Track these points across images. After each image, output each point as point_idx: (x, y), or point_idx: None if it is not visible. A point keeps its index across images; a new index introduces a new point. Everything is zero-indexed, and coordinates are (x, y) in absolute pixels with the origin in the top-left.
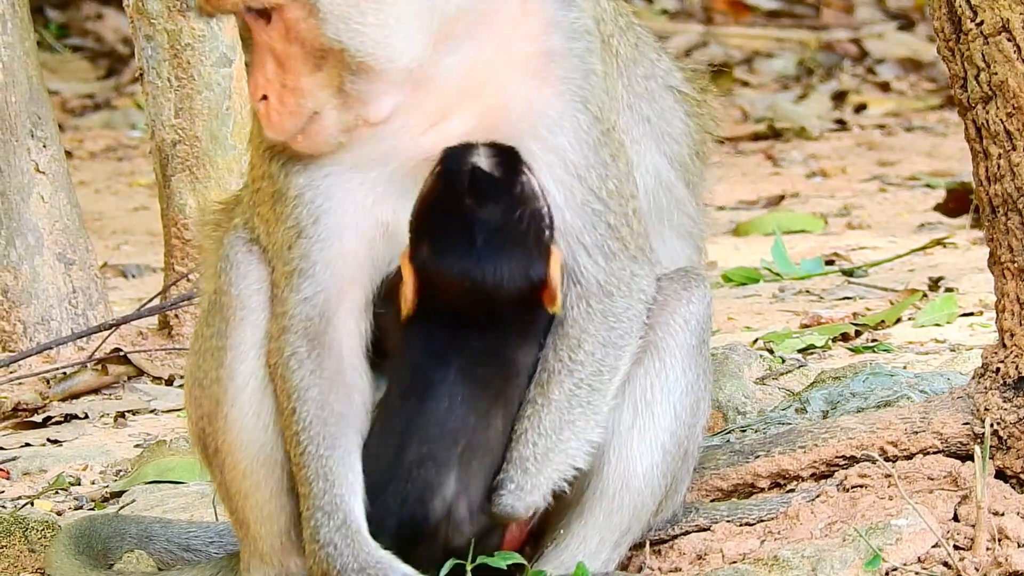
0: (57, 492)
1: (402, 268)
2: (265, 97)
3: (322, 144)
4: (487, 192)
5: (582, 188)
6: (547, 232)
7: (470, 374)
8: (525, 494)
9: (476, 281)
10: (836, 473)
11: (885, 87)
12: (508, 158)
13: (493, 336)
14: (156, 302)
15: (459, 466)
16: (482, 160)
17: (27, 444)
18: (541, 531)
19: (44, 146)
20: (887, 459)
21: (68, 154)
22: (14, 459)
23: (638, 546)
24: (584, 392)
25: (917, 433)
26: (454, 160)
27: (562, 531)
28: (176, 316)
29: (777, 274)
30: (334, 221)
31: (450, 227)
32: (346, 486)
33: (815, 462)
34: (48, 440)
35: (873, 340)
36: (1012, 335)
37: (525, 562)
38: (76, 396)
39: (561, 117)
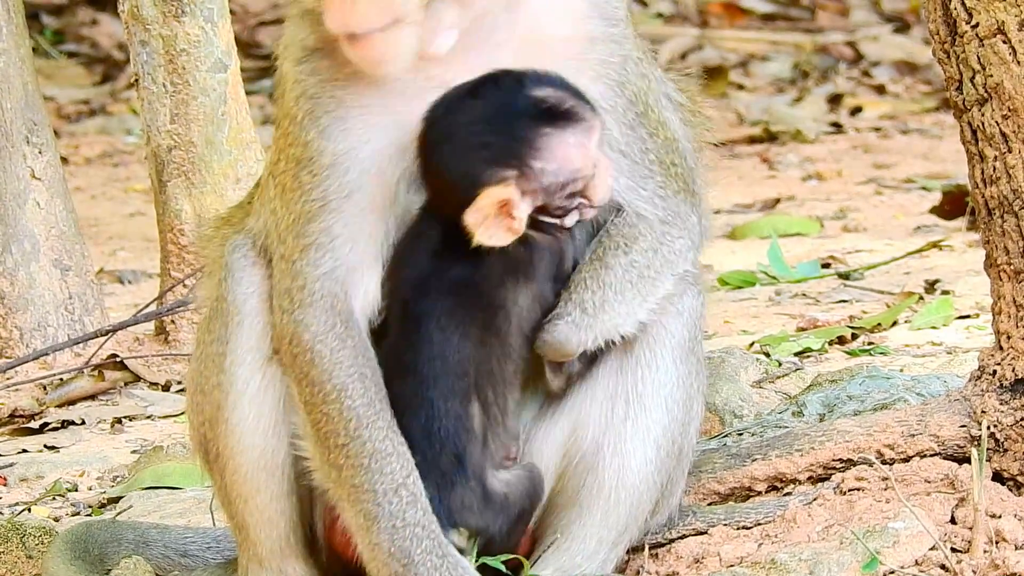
0: (54, 498)
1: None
2: None
3: (387, 59)
4: (506, 86)
5: (626, 161)
6: (504, 167)
7: (448, 304)
8: (580, 330)
9: (434, 163)
10: (833, 476)
11: (880, 90)
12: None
13: (469, 268)
14: (152, 308)
15: (479, 400)
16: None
17: (24, 450)
18: (539, 534)
19: (40, 152)
20: (884, 462)
21: (64, 160)
22: (11, 465)
23: (636, 550)
24: (636, 272)
25: (914, 436)
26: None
27: (559, 534)
28: (172, 322)
29: (773, 277)
30: (364, 198)
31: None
32: (412, 464)
33: (812, 465)
34: (45, 446)
35: (869, 343)
36: (1008, 337)
37: (524, 560)
38: (73, 402)
39: (599, 100)
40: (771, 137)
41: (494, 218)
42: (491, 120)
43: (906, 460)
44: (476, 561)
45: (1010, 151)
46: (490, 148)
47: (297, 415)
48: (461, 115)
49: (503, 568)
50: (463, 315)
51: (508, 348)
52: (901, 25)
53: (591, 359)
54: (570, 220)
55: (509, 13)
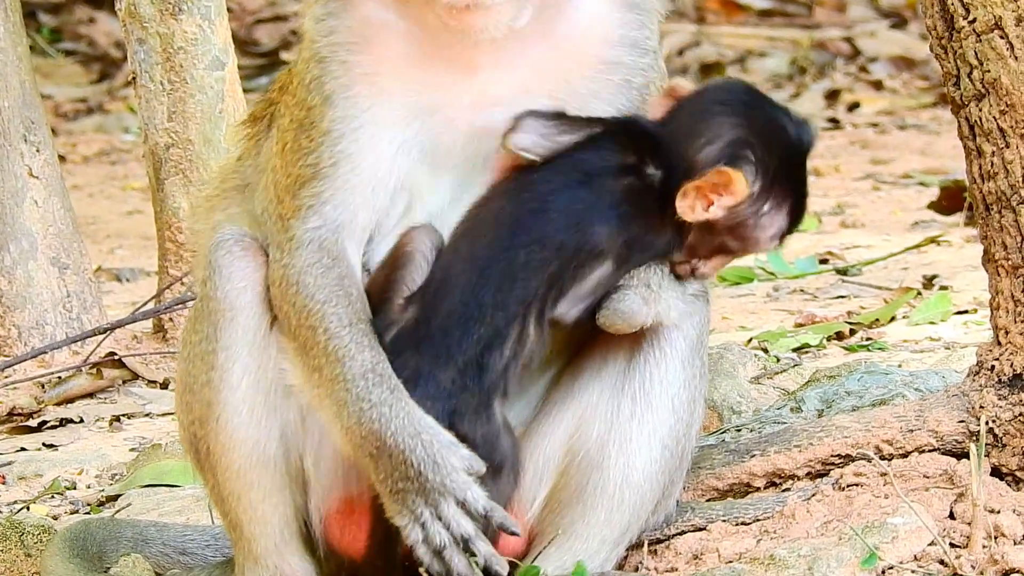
0: (53, 496)
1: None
2: None
3: (489, 28)
4: (805, 141)
5: None
6: (757, 172)
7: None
8: (646, 303)
9: (718, 117)
10: (832, 472)
11: (878, 85)
12: None
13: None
14: (150, 306)
15: (519, 332)
16: None
17: (23, 448)
18: (537, 531)
19: (37, 150)
20: (882, 457)
21: (61, 158)
22: (10, 464)
23: (634, 546)
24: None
25: (912, 431)
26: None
27: (561, 531)
28: (171, 319)
29: (771, 273)
30: (355, 167)
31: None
32: (385, 358)
33: (810, 461)
34: (44, 444)
35: (868, 339)
36: (1007, 332)
37: (518, 562)
38: (71, 400)
39: (619, 111)
40: None
41: (704, 194)
42: (786, 149)
43: (904, 456)
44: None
45: (1008, 146)
46: (769, 159)
47: (285, 353)
48: (776, 119)
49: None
50: (574, 235)
51: (572, 306)
52: (898, 21)
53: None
54: (691, 266)
55: (552, 13)
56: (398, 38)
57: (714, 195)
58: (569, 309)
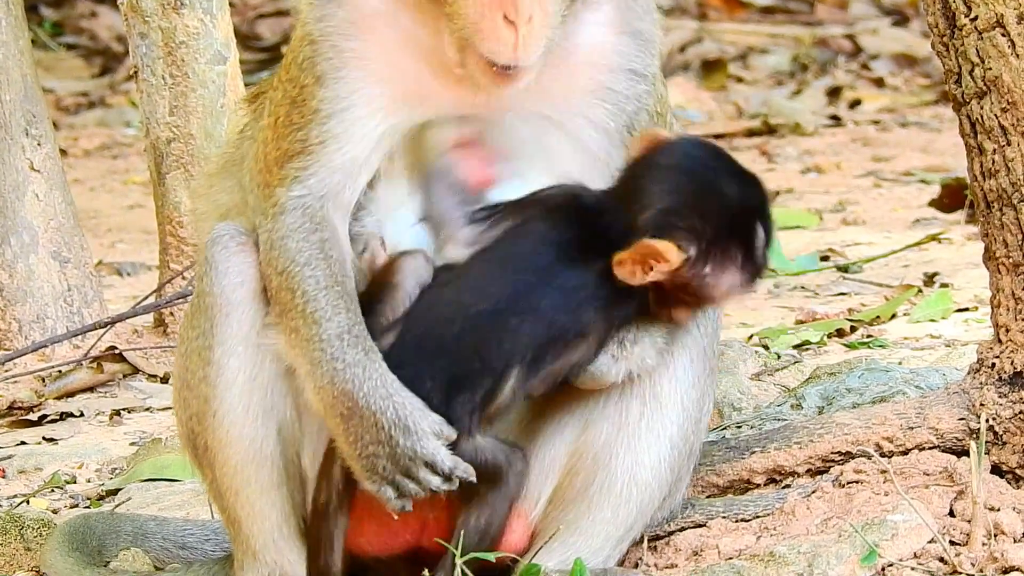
0: (53, 490)
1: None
2: (509, 20)
3: (523, 82)
4: (752, 200)
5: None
6: (691, 240)
7: (558, 242)
8: (618, 362)
9: (657, 185)
10: (832, 469)
11: (879, 83)
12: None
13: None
14: (151, 300)
15: (522, 364)
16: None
17: (23, 442)
18: (539, 529)
19: (39, 144)
20: (883, 455)
21: (63, 152)
22: (10, 457)
23: (635, 542)
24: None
25: (913, 429)
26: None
27: (564, 527)
28: (171, 314)
29: (772, 270)
30: (343, 147)
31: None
32: (362, 321)
33: (811, 458)
34: (44, 438)
35: (868, 336)
36: (1007, 330)
37: (518, 558)
38: (71, 394)
39: (609, 136)
40: (770, 130)
41: (640, 261)
42: (728, 210)
43: (905, 453)
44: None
45: (1009, 144)
46: (708, 225)
47: (269, 319)
48: (716, 179)
49: (519, 557)
50: (573, 272)
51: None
52: (900, 18)
53: None
54: (657, 313)
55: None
56: (392, 27)
57: (650, 263)
58: (540, 385)
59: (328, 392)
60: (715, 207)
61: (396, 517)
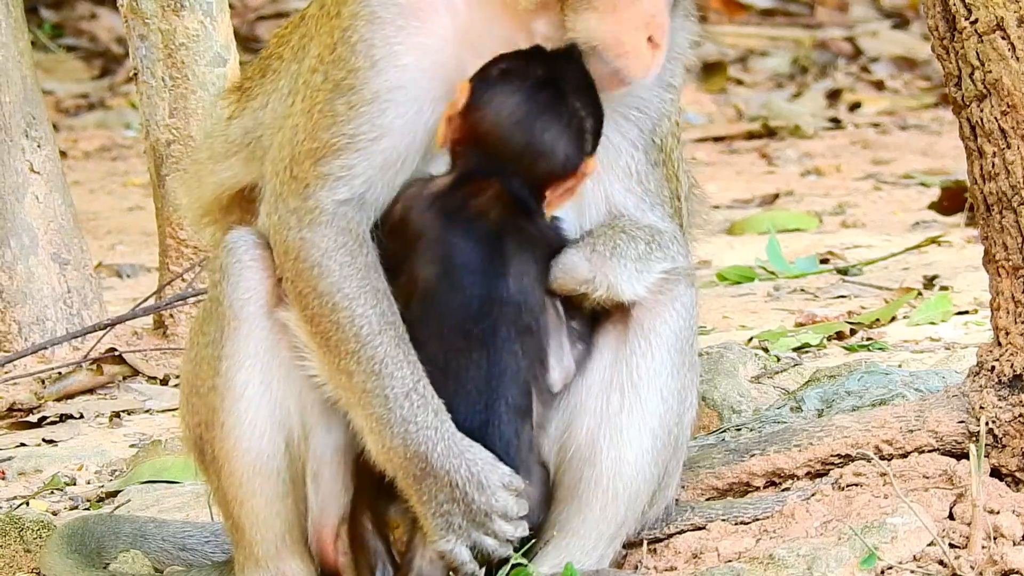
0: (52, 492)
1: (448, 121)
2: (653, 43)
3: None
4: (581, 78)
5: (641, 188)
6: (593, 142)
7: (509, 323)
8: (590, 264)
9: (531, 139)
10: (831, 472)
11: (879, 85)
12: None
13: (511, 281)
14: (151, 302)
15: (530, 413)
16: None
17: (22, 444)
18: (537, 529)
19: (38, 146)
20: (882, 457)
21: (63, 154)
22: (9, 459)
23: (633, 545)
24: (637, 252)
25: (912, 431)
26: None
27: (557, 529)
28: (171, 316)
29: (772, 273)
30: (393, 142)
31: (531, 87)
32: (423, 372)
33: (810, 461)
34: (43, 440)
35: (868, 339)
36: (1007, 333)
37: (525, 562)
38: (71, 396)
39: (631, 137)
40: (770, 132)
41: (568, 192)
42: (594, 113)
43: (904, 456)
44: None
45: (1009, 147)
46: (593, 120)
47: (295, 322)
48: (554, 89)
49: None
50: (525, 336)
51: (546, 355)
52: (900, 21)
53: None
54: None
55: None
56: (452, 14)
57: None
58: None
59: (399, 453)
60: (578, 100)
61: None
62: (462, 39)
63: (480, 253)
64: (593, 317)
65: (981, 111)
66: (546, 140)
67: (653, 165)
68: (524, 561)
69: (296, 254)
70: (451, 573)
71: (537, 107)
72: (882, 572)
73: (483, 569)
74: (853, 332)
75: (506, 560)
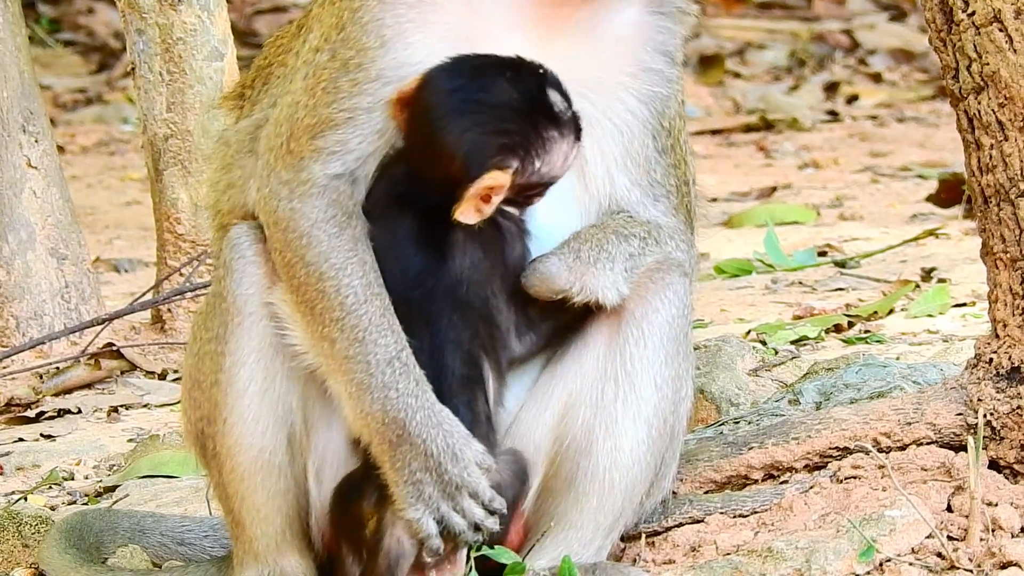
0: (50, 487)
1: (396, 102)
2: None
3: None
4: (536, 102)
5: (647, 178)
6: (508, 156)
7: (453, 301)
8: (570, 272)
9: (439, 130)
10: (829, 464)
11: (877, 78)
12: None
13: (460, 260)
14: (149, 296)
15: (482, 391)
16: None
17: (20, 439)
18: (532, 523)
19: (36, 141)
20: (880, 450)
21: (60, 149)
22: (7, 454)
23: (632, 538)
24: (628, 253)
25: (910, 424)
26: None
27: (555, 522)
28: (169, 310)
29: (770, 265)
30: (385, 116)
31: (469, 87)
32: (405, 341)
33: (808, 453)
34: (41, 435)
35: (866, 331)
36: (1005, 325)
37: (520, 560)
38: (69, 391)
39: (641, 119)
40: (768, 125)
41: (476, 199)
42: (517, 109)
43: (902, 448)
44: (476, 551)
45: (1006, 139)
46: (509, 135)
47: (281, 296)
48: (489, 94)
49: (506, 560)
50: (466, 310)
51: (501, 335)
52: (897, 13)
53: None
54: (525, 207)
55: (597, 13)
56: None
57: (487, 196)
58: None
59: (378, 419)
60: (504, 113)
61: (429, 560)
62: (469, 21)
63: (424, 229)
64: (584, 308)
65: (979, 103)
66: (447, 139)
67: (661, 152)
68: (518, 559)
69: (286, 224)
70: (420, 550)
71: (456, 102)
72: (880, 564)
73: (459, 556)
74: (851, 325)
75: (477, 548)
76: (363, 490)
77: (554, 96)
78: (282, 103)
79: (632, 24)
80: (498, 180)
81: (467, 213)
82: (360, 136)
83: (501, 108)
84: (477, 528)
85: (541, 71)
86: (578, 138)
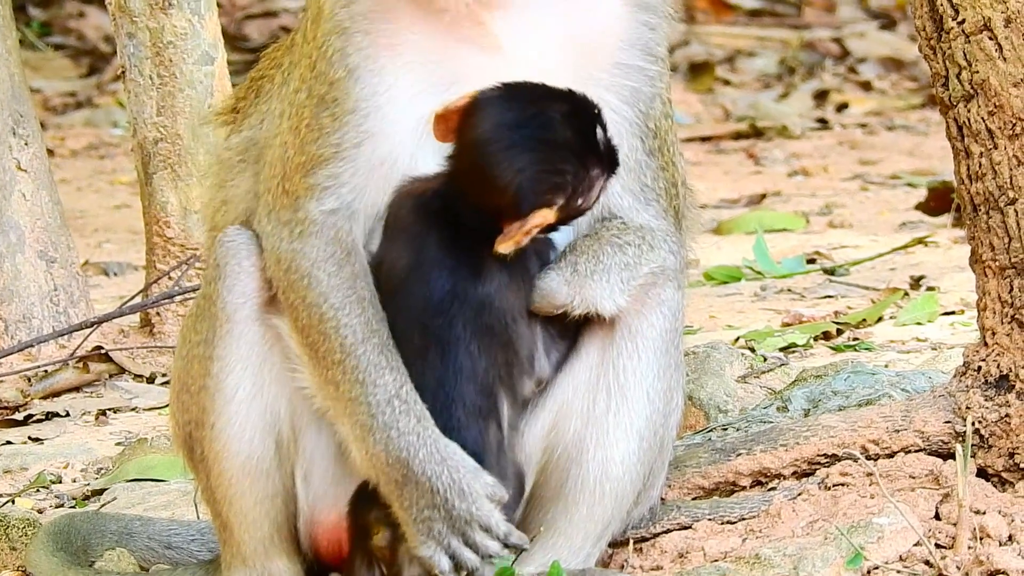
0: (38, 490)
1: (439, 119)
2: None
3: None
4: (589, 136)
5: (637, 183)
6: (559, 194)
7: (475, 326)
8: (570, 286)
9: (491, 165)
10: (818, 471)
11: (867, 86)
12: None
13: (484, 284)
14: (138, 300)
15: (495, 416)
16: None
17: (8, 442)
18: (523, 529)
19: (26, 144)
20: (869, 457)
21: (50, 152)
22: None
23: (620, 544)
24: (623, 263)
25: (899, 431)
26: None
27: (544, 528)
28: (158, 314)
29: (759, 272)
30: (378, 146)
31: (525, 117)
32: (407, 378)
33: (797, 460)
34: (29, 438)
35: (855, 339)
36: (993, 333)
37: (509, 564)
38: (57, 394)
39: (626, 121)
40: (757, 133)
41: (521, 233)
42: (572, 150)
43: (891, 456)
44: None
45: (996, 147)
46: (563, 175)
47: (288, 332)
48: (547, 132)
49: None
50: (486, 335)
51: (519, 361)
52: (887, 21)
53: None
54: (550, 232)
55: (568, 8)
56: (420, 8)
57: (531, 229)
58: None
59: (381, 459)
60: (562, 154)
61: None
62: (435, 33)
63: (452, 252)
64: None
65: (968, 111)
66: (503, 172)
67: (649, 155)
68: (507, 563)
69: (287, 265)
70: None
71: (516, 138)
72: (868, 572)
73: None
74: (840, 332)
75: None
76: (373, 499)
77: (600, 134)
78: (273, 143)
79: (613, 17)
80: (546, 218)
81: (508, 245)
82: (352, 169)
83: (559, 149)
84: (491, 560)
85: (594, 109)
86: (613, 171)
